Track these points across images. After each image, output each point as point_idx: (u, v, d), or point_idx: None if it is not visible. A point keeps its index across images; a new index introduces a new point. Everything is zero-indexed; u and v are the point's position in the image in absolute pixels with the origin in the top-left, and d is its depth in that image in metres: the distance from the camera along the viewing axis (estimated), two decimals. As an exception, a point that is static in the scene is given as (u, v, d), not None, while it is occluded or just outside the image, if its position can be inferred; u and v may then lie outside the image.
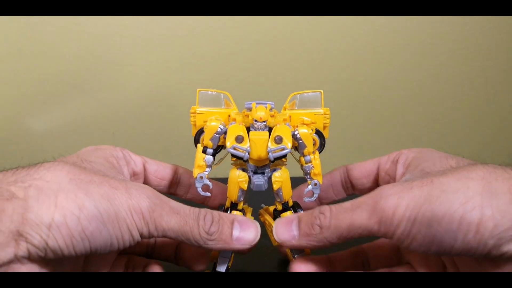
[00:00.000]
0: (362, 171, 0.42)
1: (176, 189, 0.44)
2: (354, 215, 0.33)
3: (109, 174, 0.35)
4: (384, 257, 0.40)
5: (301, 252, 0.41)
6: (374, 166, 0.41)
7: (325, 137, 0.41)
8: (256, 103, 0.38)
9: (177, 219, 0.34)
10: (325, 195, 0.44)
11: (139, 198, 0.33)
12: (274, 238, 0.43)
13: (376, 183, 0.42)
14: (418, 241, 0.31)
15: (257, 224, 0.37)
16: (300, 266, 0.38)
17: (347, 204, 0.34)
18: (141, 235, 0.33)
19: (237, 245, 0.35)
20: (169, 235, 0.34)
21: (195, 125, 0.41)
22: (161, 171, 0.43)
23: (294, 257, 0.41)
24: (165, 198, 0.35)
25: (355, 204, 0.33)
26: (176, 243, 0.41)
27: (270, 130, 0.38)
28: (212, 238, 0.34)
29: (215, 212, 0.35)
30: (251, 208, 0.43)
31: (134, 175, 0.42)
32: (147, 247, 0.42)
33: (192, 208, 0.35)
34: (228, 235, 0.35)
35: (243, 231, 0.35)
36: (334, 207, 0.34)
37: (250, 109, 0.38)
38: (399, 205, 0.31)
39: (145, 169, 0.42)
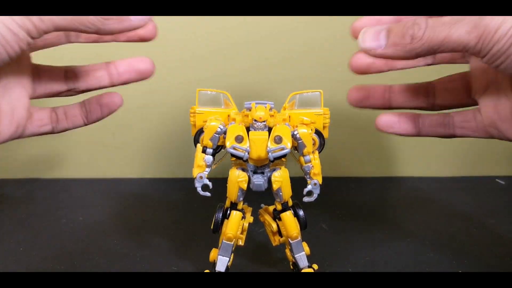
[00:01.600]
0: None
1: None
2: (452, 29, 0.31)
3: None
4: (453, 91, 0.39)
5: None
6: None
7: (324, 137, 0.41)
8: (256, 103, 0.38)
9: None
10: None
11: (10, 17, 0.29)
12: (274, 238, 0.43)
13: None
14: None
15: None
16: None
17: (446, 18, 0.32)
18: (29, 33, 0.30)
19: (135, 21, 0.33)
20: (61, 25, 0.30)
21: (194, 125, 0.41)
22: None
23: (294, 257, 0.41)
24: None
25: (456, 18, 0.31)
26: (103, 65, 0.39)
27: (269, 130, 0.38)
28: (108, 17, 0.32)
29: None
30: (251, 208, 0.43)
31: None
32: (66, 78, 0.39)
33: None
34: (123, 17, 0.32)
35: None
36: (430, 19, 0.32)
37: (249, 109, 0.38)
38: (504, 23, 0.30)
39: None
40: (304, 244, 0.42)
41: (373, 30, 0.34)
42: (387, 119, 0.40)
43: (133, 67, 0.39)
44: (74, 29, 0.31)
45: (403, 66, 0.40)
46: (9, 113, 0.35)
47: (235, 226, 0.40)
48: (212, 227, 0.41)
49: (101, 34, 0.32)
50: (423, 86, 0.40)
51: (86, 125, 0.39)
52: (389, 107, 0.41)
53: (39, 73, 0.38)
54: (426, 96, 0.40)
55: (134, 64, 0.39)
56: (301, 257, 0.41)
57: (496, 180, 0.73)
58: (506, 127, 0.35)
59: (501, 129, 0.36)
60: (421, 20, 0.33)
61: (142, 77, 0.39)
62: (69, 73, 0.39)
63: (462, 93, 0.39)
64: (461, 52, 0.32)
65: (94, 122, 0.39)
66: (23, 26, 0.29)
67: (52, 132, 0.39)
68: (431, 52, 0.32)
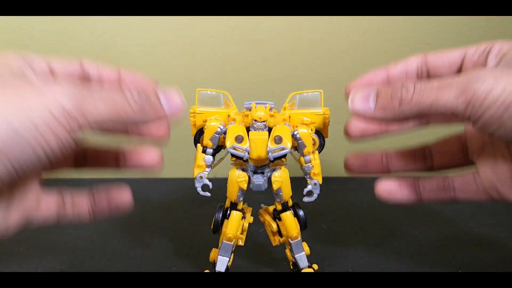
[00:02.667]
0: (444, 60, 0.37)
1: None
2: (440, 93, 0.30)
3: (9, 78, 0.30)
4: (449, 153, 0.39)
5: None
6: (459, 56, 0.37)
7: (324, 137, 0.41)
8: (256, 103, 0.38)
9: (104, 100, 0.29)
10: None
11: (55, 94, 0.27)
12: (274, 238, 0.43)
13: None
14: (507, 128, 0.29)
15: (176, 88, 0.34)
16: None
17: (434, 82, 0.31)
18: (74, 134, 0.28)
19: (171, 112, 0.32)
20: (105, 123, 0.29)
21: (194, 125, 0.41)
22: (67, 67, 0.36)
23: (294, 257, 0.41)
24: (80, 84, 0.30)
25: (444, 83, 0.31)
26: (114, 150, 0.39)
27: (270, 130, 0.38)
28: (145, 111, 0.31)
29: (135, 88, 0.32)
30: (251, 208, 0.43)
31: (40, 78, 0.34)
32: (76, 157, 0.39)
33: (111, 86, 0.32)
34: (158, 103, 0.32)
35: (168, 97, 0.32)
36: (418, 83, 0.32)
37: (249, 109, 0.38)
38: (494, 88, 0.29)
39: (51, 69, 0.35)
40: (304, 244, 0.42)
41: (363, 93, 0.34)
42: (387, 186, 0.39)
43: (140, 161, 0.39)
44: (116, 126, 0.31)
45: (398, 129, 0.40)
46: (19, 204, 0.33)
47: (235, 226, 0.40)
48: (212, 227, 0.41)
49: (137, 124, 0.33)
50: (419, 149, 0.40)
51: (91, 221, 0.38)
52: (387, 172, 0.41)
53: None
54: (423, 160, 0.40)
55: (142, 158, 0.39)
56: (301, 257, 0.41)
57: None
58: (506, 190, 0.34)
59: (501, 192, 0.35)
60: (409, 83, 0.32)
61: (148, 170, 0.40)
62: (79, 154, 0.39)
63: (459, 154, 0.38)
64: (451, 116, 0.31)
65: (101, 219, 0.38)
66: (69, 129, 0.28)
67: (56, 223, 0.37)
68: (419, 116, 0.32)
